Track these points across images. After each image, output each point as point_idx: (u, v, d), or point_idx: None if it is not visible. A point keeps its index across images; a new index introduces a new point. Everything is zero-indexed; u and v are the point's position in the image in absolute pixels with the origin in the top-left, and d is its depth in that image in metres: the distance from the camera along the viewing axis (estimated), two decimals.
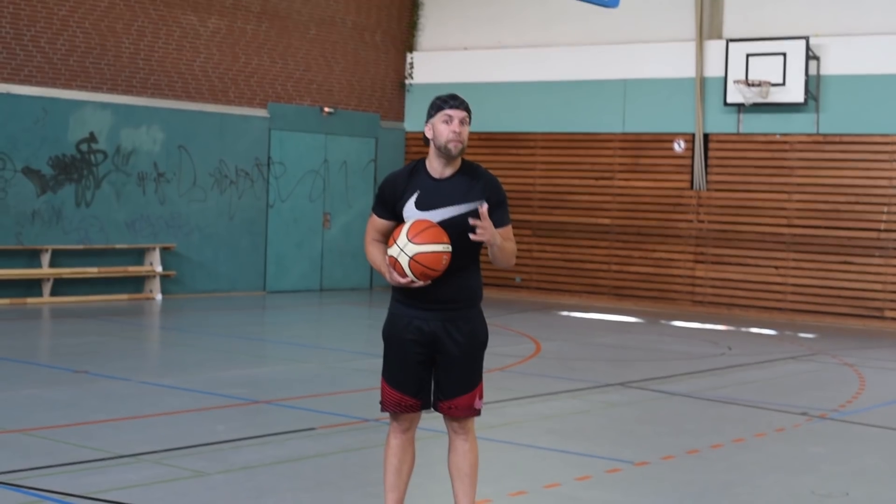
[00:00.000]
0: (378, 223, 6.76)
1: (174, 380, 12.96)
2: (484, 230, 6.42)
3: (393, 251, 6.48)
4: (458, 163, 6.67)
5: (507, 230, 6.69)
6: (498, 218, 6.61)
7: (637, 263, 23.59)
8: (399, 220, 6.65)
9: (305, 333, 18.47)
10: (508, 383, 13.39)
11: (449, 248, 6.45)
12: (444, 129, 6.56)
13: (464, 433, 6.82)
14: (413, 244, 6.41)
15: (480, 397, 6.83)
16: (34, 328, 17.69)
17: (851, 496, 8.79)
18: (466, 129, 6.63)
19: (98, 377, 12.97)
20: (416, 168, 6.68)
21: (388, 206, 6.68)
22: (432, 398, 6.78)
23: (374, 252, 6.78)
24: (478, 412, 6.83)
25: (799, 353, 17.33)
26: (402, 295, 6.67)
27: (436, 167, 6.64)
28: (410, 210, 6.59)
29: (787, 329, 20.42)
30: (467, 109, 6.62)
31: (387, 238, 6.67)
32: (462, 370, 6.71)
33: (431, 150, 6.64)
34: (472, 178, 6.64)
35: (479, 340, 6.75)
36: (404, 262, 6.42)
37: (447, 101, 6.61)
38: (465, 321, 6.69)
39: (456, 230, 6.53)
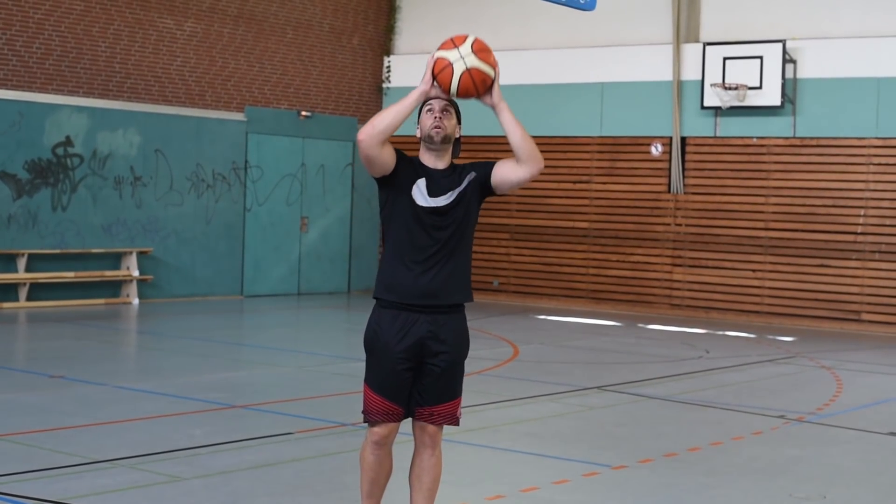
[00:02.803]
0: (388, 147, 6.49)
1: (151, 384, 12.91)
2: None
3: (451, 55, 6.39)
4: (448, 159, 6.66)
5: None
6: (491, 164, 6.69)
7: (615, 267, 23.61)
8: (390, 187, 6.57)
9: (283, 337, 18.43)
10: (486, 387, 13.37)
11: (494, 75, 6.49)
12: (427, 118, 6.58)
13: (433, 446, 6.71)
14: (475, 56, 6.40)
15: (460, 406, 6.78)
16: (10, 333, 17.61)
17: (829, 498, 8.80)
18: (449, 119, 6.59)
19: (74, 382, 12.92)
20: (414, 161, 6.64)
21: (398, 164, 6.53)
22: (411, 406, 6.69)
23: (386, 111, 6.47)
24: (457, 421, 6.76)
25: (776, 355, 17.36)
26: (393, 294, 6.54)
27: (429, 161, 6.63)
28: (419, 191, 6.53)
29: (764, 332, 20.46)
30: (451, 101, 6.60)
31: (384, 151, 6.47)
32: (449, 376, 6.65)
33: (421, 147, 6.65)
34: (461, 167, 6.69)
35: (465, 348, 6.73)
36: (459, 69, 6.38)
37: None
38: (453, 323, 6.64)
39: (463, 209, 6.57)
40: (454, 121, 6.64)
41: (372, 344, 6.63)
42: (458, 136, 6.69)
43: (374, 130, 6.37)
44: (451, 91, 6.45)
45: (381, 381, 6.58)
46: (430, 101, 6.58)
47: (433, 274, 6.54)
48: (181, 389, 12.62)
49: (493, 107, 6.61)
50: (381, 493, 6.75)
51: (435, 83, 6.47)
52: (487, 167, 6.70)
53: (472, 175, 6.67)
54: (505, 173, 6.65)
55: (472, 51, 6.40)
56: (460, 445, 10.25)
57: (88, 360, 14.78)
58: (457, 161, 6.72)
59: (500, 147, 24.95)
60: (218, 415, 11.39)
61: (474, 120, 25.37)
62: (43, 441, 9.83)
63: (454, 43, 6.44)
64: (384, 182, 6.61)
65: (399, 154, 6.57)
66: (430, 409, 6.65)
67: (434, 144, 6.59)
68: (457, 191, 6.60)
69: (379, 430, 6.59)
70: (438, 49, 6.48)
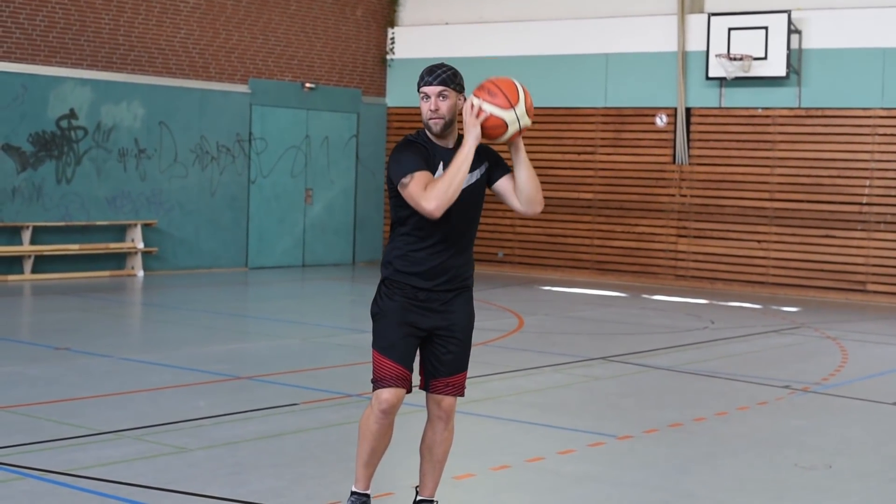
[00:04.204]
0: (426, 175, 6.35)
1: (156, 356, 12.93)
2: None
3: (507, 116, 6.35)
4: (455, 136, 6.60)
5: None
6: (501, 169, 6.65)
7: (619, 238, 23.59)
8: None
9: (288, 309, 18.44)
10: (491, 358, 13.38)
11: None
12: (424, 107, 6.51)
13: (447, 419, 6.74)
14: (528, 116, 6.42)
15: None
16: (15, 305, 17.62)
17: (834, 468, 8.81)
18: (448, 103, 6.48)
19: (79, 354, 12.94)
20: (421, 139, 6.55)
21: (424, 164, 6.40)
22: (424, 378, 6.71)
23: (446, 177, 6.30)
24: (463, 392, 6.79)
25: (781, 326, 17.36)
26: (405, 275, 6.54)
27: (439, 141, 6.57)
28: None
29: (769, 303, 20.45)
30: (445, 82, 6.47)
31: None
32: (462, 347, 6.70)
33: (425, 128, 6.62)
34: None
35: (473, 321, 6.77)
36: (513, 130, 6.39)
37: (423, 76, 6.52)
38: (465, 301, 6.69)
39: (474, 194, 6.56)
40: (453, 99, 6.51)
41: (383, 313, 6.61)
42: (461, 106, 6.57)
43: (446, 198, 6.26)
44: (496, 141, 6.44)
45: (390, 345, 6.55)
46: (424, 89, 6.49)
47: (447, 255, 6.55)
48: (186, 361, 12.63)
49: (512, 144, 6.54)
50: (377, 462, 6.75)
51: (474, 120, 6.37)
52: (498, 170, 6.65)
53: (486, 165, 6.62)
54: (506, 191, 6.62)
55: (526, 110, 6.40)
56: (466, 416, 10.26)
57: (93, 333, 14.80)
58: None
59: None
60: (223, 386, 11.41)
61: (472, 92, 25.33)
62: (48, 413, 9.85)
63: (509, 101, 6.36)
64: None
65: (421, 155, 6.45)
66: (446, 381, 6.67)
67: (433, 133, 6.54)
68: (475, 173, 6.55)
69: (388, 398, 6.53)
70: (487, 100, 6.35)
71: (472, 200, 6.58)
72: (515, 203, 6.59)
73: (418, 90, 6.55)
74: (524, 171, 6.52)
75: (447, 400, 6.72)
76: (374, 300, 6.70)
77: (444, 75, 6.48)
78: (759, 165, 22.14)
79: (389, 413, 6.59)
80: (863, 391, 12.14)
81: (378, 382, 6.59)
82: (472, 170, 6.51)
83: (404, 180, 6.34)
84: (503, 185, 6.63)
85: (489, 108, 6.35)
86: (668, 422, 10.30)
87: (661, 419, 10.41)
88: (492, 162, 6.66)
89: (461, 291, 6.67)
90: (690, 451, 9.27)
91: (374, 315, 6.68)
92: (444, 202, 6.24)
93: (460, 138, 6.55)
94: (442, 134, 6.52)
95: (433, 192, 6.24)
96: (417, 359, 6.69)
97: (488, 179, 6.64)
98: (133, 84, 21.57)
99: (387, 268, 6.65)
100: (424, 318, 6.58)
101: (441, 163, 6.49)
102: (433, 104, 6.47)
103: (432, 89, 6.48)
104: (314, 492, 7.70)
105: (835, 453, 9.33)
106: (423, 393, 6.80)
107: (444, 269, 6.56)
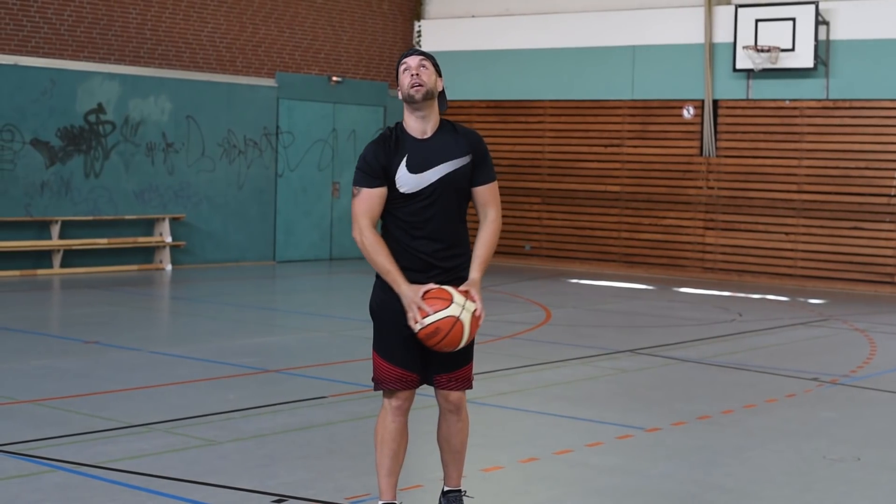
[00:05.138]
0: (374, 194, 6.40)
1: (185, 349, 12.98)
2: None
3: (453, 311, 6.27)
4: (436, 121, 6.55)
5: (494, 186, 6.63)
6: (484, 174, 6.57)
7: (647, 230, 23.56)
8: (391, 186, 6.45)
9: (315, 302, 18.48)
10: (519, 350, 13.39)
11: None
12: (405, 77, 6.47)
13: (458, 411, 6.68)
14: (471, 302, 6.35)
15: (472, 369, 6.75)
16: (45, 299, 17.72)
17: (863, 460, 8.79)
18: (428, 73, 6.47)
19: (109, 347, 13.00)
20: (396, 132, 6.52)
21: (380, 172, 6.40)
22: (428, 374, 6.64)
23: (378, 246, 6.39)
24: (471, 384, 6.73)
25: (809, 318, 17.32)
26: (402, 265, 6.45)
27: (415, 127, 6.51)
28: (403, 174, 6.42)
29: (797, 295, 20.40)
30: (426, 55, 6.51)
31: (381, 210, 6.44)
32: None
33: (405, 109, 6.53)
34: (454, 134, 6.56)
35: None
36: (466, 320, 6.30)
37: (403, 56, 6.56)
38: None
39: (451, 186, 6.48)
40: (433, 74, 6.51)
41: (381, 313, 6.58)
42: (441, 88, 6.57)
43: (363, 248, 6.43)
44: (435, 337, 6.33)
45: (392, 350, 6.54)
46: (405, 60, 6.50)
47: (434, 250, 6.49)
48: (215, 354, 12.68)
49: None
50: (399, 469, 6.67)
51: (419, 320, 6.31)
52: (480, 175, 6.58)
53: (470, 157, 6.53)
54: (476, 203, 6.63)
55: (464, 297, 6.34)
56: (494, 409, 10.28)
57: (122, 326, 14.86)
58: (447, 118, 6.61)
59: (527, 111, 24.90)
60: (251, 379, 11.45)
61: (499, 85, 25.38)
62: (79, 406, 9.90)
63: (442, 300, 6.31)
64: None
65: (380, 162, 6.43)
66: (449, 376, 6.60)
67: (416, 103, 6.46)
68: (448, 164, 6.48)
69: (398, 397, 6.56)
70: (429, 313, 6.28)
71: (457, 186, 6.51)
72: (480, 217, 6.63)
73: (397, 69, 6.53)
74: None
75: (454, 394, 6.66)
76: (372, 294, 6.66)
77: (423, 52, 6.53)
78: (787, 157, 22.07)
79: (403, 410, 6.59)
80: (891, 383, 12.11)
81: (379, 384, 6.58)
82: (452, 157, 6.48)
83: (354, 190, 6.46)
84: (480, 192, 6.61)
85: (435, 317, 6.28)
86: (697, 414, 10.30)
87: (690, 411, 10.40)
88: (477, 159, 6.57)
89: (456, 278, 6.54)
90: (719, 443, 9.26)
91: (372, 313, 6.64)
92: (360, 247, 6.41)
93: (441, 124, 6.54)
94: (421, 105, 6.46)
95: (364, 233, 6.38)
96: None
97: (470, 173, 6.57)
98: (160, 78, 21.64)
99: None
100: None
101: (406, 157, 6.43)
102: (414, 71, 6.45)
103: (413, 59, 6.49)
104: (343, 484, 7.72)
105: (863, 445, 9.31)
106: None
107: (431, 258, 6.47)
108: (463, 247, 6.61)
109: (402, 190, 6.43)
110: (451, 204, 6.51)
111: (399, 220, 6.49)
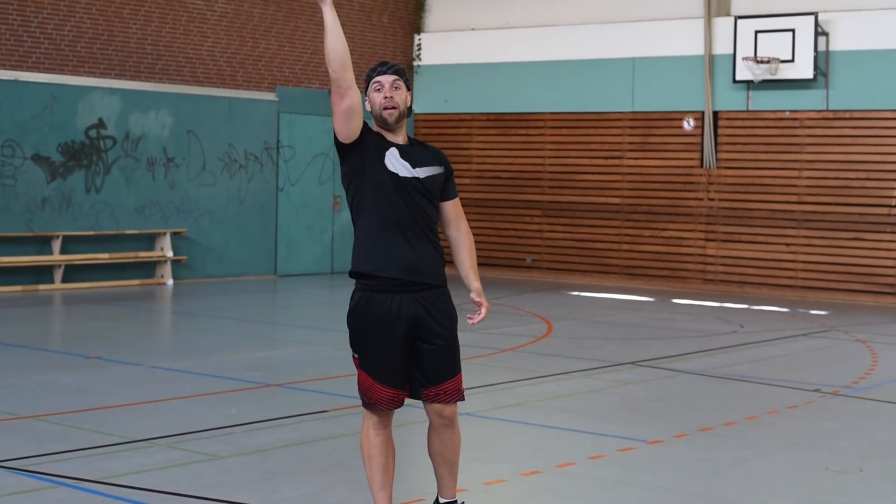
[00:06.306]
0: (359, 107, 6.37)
1: (186, 364, 12.98)
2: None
3: None
4: (404, 133, 6.58)
5: (458, 202, 6.73)
6: (453, 188, 6.70)
7: (648, 242, 23.56)
8: (362, 154, 6.41)
9: (317, 316, 18.48)
10: (520, 363, 13.39)
11: None
12: (377, 97, 6.50)
13: (449, 422, 6.62)
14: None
15: (462, 380, 6.70)
16: (46, 315, 17.72)
17: (865, 471, 8.78)
18: (401, 94, 6.50)
19: (110, 362, 12.99)
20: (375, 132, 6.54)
21: (363, 131, 6.40)
22: (414, 387, 6.60)
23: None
24: (463, 396, 6.68)
25: (811, 329, 17.31)
26: (375, 275, 6.44)
27: (388, 137, 6.53)
28: (394, 158, 6.42)
29: (798, 306, 20.40)
30: (398, 73, 6.51)
31: (357, 109, 6.35)
32: (449, 353, 6.56)
33: (374, 124, 6.56)
34: (424, 148, 6.63)
35: (455, 321, 6.64)
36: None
37: (376, 68, 6.57)
38: (442, 301, 6.57)
39: (434, 185, 6.52)
40: (404, 92, 6.55)
41: (363, 330, 6.50)
42: (409, 104, 6.62)
43: (336, 56, 6.25)
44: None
45: (380, 369, 6.48)
46: (377, 79, 6.50)
47: (413, 248, 6.45)
48: (216, 369, 12.68)
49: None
50: (391, 481, 6.65)
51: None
52: (449, 188, 6.65)
53: (443, 169, 6.60)
54: (445, 211, 6.68)
55: None
56: (495, 422, 10.28)
57: (124, 341, 14.86)
58: (415, 136, 6.65)
59: (527, 123, 24.91)
60: (253, 393, 11.44)
61: (499, 97, 25.40)
62: (81, 421, 9.90)
63: None
64: (353, 149, 6.44)
65: (373, 138, 6.48)
66: (437, 389, 6.53)
67: (389, 126, 6.50)
68: (431, 168, 6.53)
69: (378, 417, 6.55)
70: None
71: (434, 192, 6.53)
72: (445, 228, 6.72)
73: (368, 83, 6.56)
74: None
75: (449, 409, 6.60)
76: (351, 306, 6.59)
77: (397, 67, 6.56)
78: (788, 168, 22.08)
79: (386, 425, 6.58)
80: (893, 394, 12.09)
81: (371, 405, 6.52)
82: (431, 164, 6.53)
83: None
84: (448, 207, 6.68)
85: None
86: (699, 426, 10.29)
87: (692, 423, 10.40)
88: (448, 173, 6.65)
89: (436, 295, 6.53)
90: (721, 454, 9.25)
91: (350, 324, 6.58)
92: (336, 62, 6.26)
93: (409, 139, 6.59)
94: (395, 127, 6.50)
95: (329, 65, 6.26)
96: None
97: (443, 188, 6.62)
98: (161, 93, 21.67)
99: (355, 262, 6.57)
100: (404, 327, 6.43)
101: (393, 147, 6.46)
102: (388, 92, 6.47)
103: (386, 78, 6.51)
104: (345, 498, 7.72)
105: (866, 456, 9.30)
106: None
107: (409, 264, 6.42)
108: (438, 264, 6.59)
109: (398, 172, 6.42)
110: (422, 201, 6.50)
111: (381, 216, 6.44)
